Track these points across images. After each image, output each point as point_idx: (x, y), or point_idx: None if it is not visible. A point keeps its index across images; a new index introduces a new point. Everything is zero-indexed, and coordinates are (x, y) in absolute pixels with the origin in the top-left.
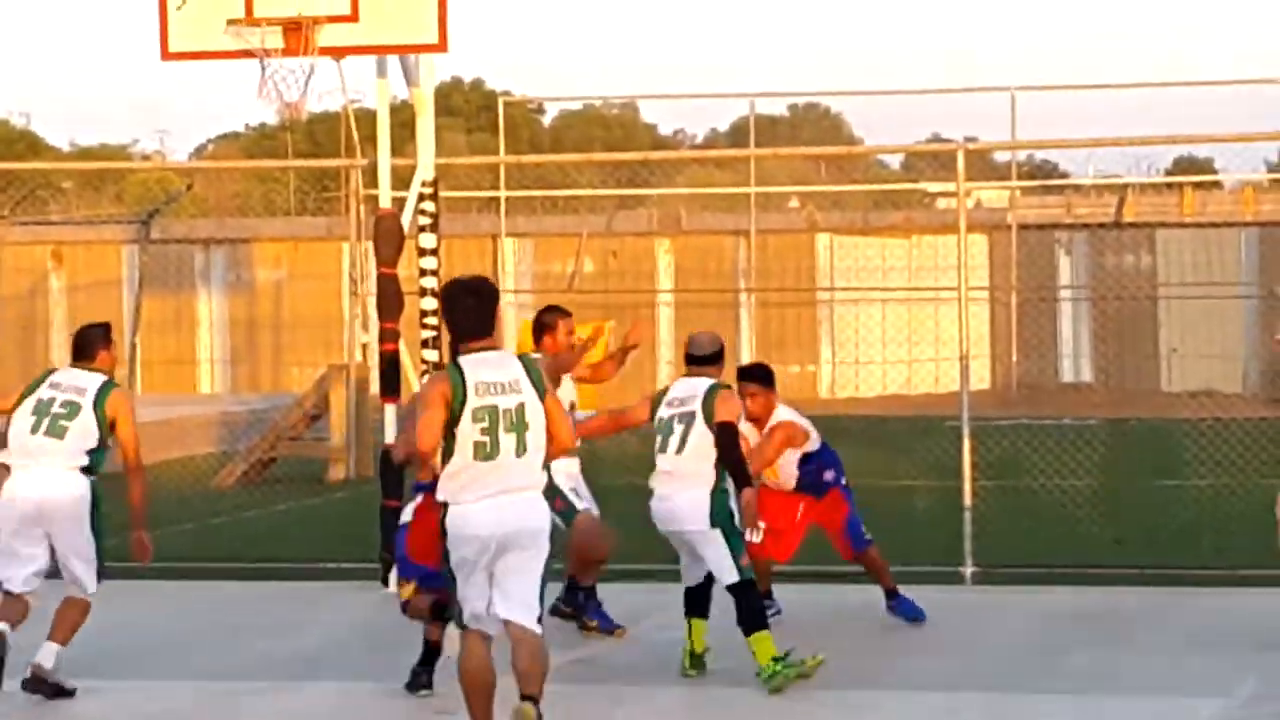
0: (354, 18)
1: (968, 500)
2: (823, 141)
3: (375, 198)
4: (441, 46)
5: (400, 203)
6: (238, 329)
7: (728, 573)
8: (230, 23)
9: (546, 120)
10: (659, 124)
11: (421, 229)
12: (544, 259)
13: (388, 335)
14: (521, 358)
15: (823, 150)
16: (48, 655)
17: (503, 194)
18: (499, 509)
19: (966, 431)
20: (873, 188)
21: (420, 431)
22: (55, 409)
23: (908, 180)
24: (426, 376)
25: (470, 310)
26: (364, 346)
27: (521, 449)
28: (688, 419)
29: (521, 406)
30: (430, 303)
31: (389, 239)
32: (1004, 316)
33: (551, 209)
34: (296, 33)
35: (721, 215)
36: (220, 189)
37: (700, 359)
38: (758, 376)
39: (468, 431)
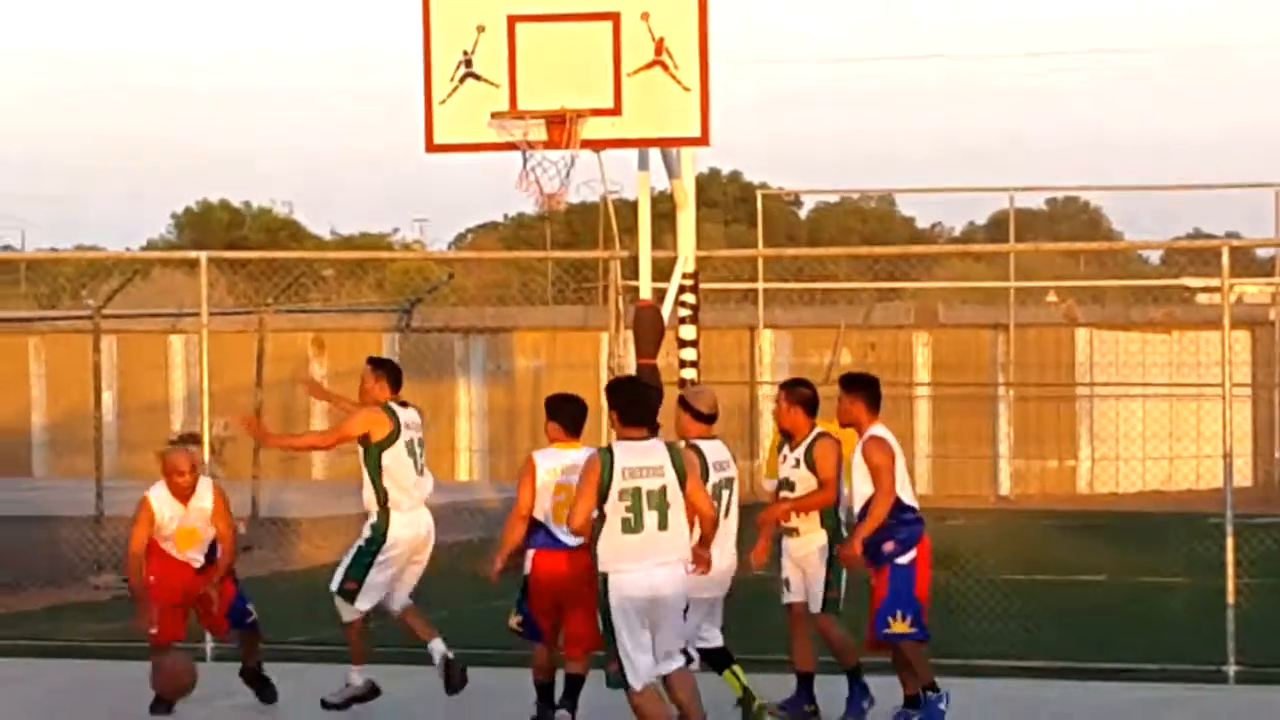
0: (617, 111)
1: (1231, 598)
2: (1081, 236)
3: (634, 288)
4: (704, 140)
5: (660, 294)
6: (496, 417)
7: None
8: (494, 115)
9: (803, 212)
10: (916, 216)
11: (681, 320)
12: (801, 351)
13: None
14: (669, 445)
15: (1084, 246)
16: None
17: (760, 286)
18: (649, 576)
19: (1230, 529)
20: (1133, 283)
21: (573, 513)
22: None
23: (1168, 275)
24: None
25: (635, 403)
26: None
27: (664, 524)
28: (731, 484)
29: (664, 489)
30: None
31: (650, 330)
32: (1266, 413)
33: (809, 301)
34: (560, 125)
35: (979, 308)
36: (479, 278)
37: (713, 418)
38: (864, 384)
39: (615, 508)
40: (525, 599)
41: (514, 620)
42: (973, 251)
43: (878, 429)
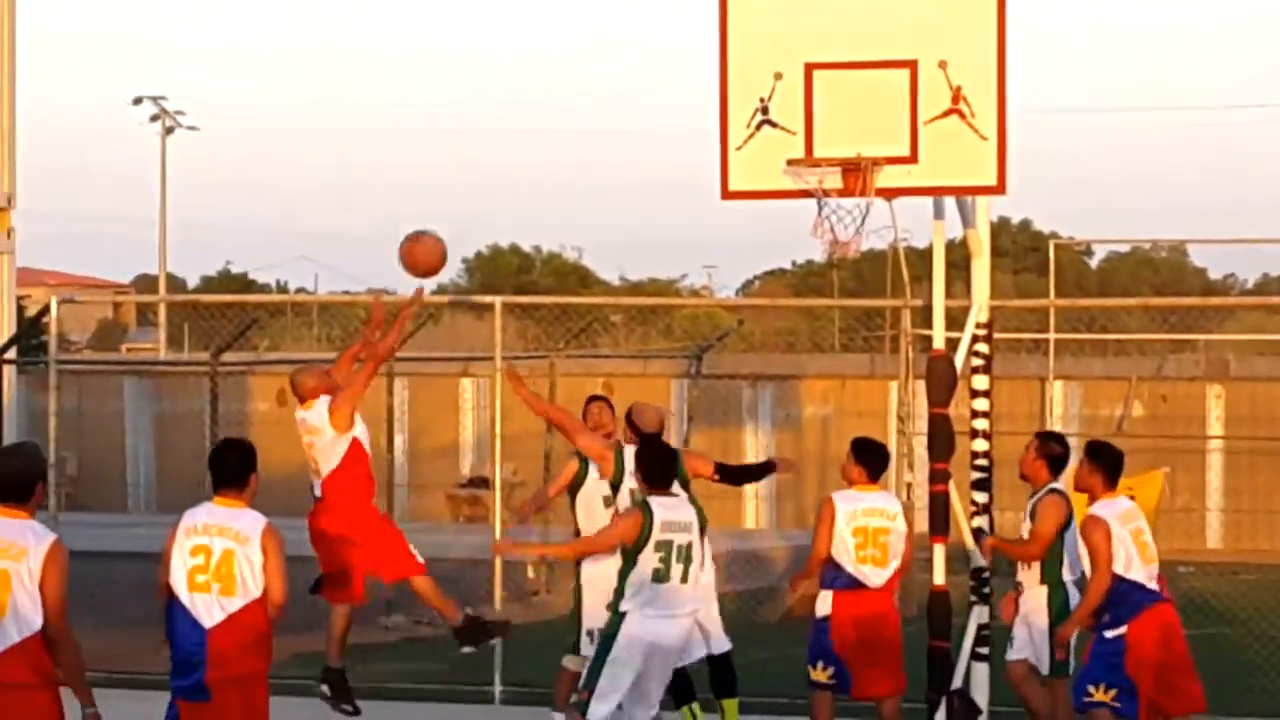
0: (913, 159)
1: None
2: None
3: (925, 337)
4: (1000, 189)
5: (952, 343)
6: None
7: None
8: (790, 163)
9: (1094, 262)
10: (1209, 267)
11: (974, 370)
12: (1092, 402)
13: (938, 475)
14: (692, 500)
15: None
16: None
17: (1052, 336)
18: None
19: None
20: None
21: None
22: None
23: None
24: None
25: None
26: (909, 485)
27: (685, 578)
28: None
29: (690, 544)
30: (982, 444)
31: (943, 380)
32: None
33: (1100, 352)
34: (855, 173)
35: (1273, 361)
36: (766, 325)
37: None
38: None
39: (649, 558)
40: (823, 648)
41: (822, 674)
42: (1269, 304)
43: (1100, 507)
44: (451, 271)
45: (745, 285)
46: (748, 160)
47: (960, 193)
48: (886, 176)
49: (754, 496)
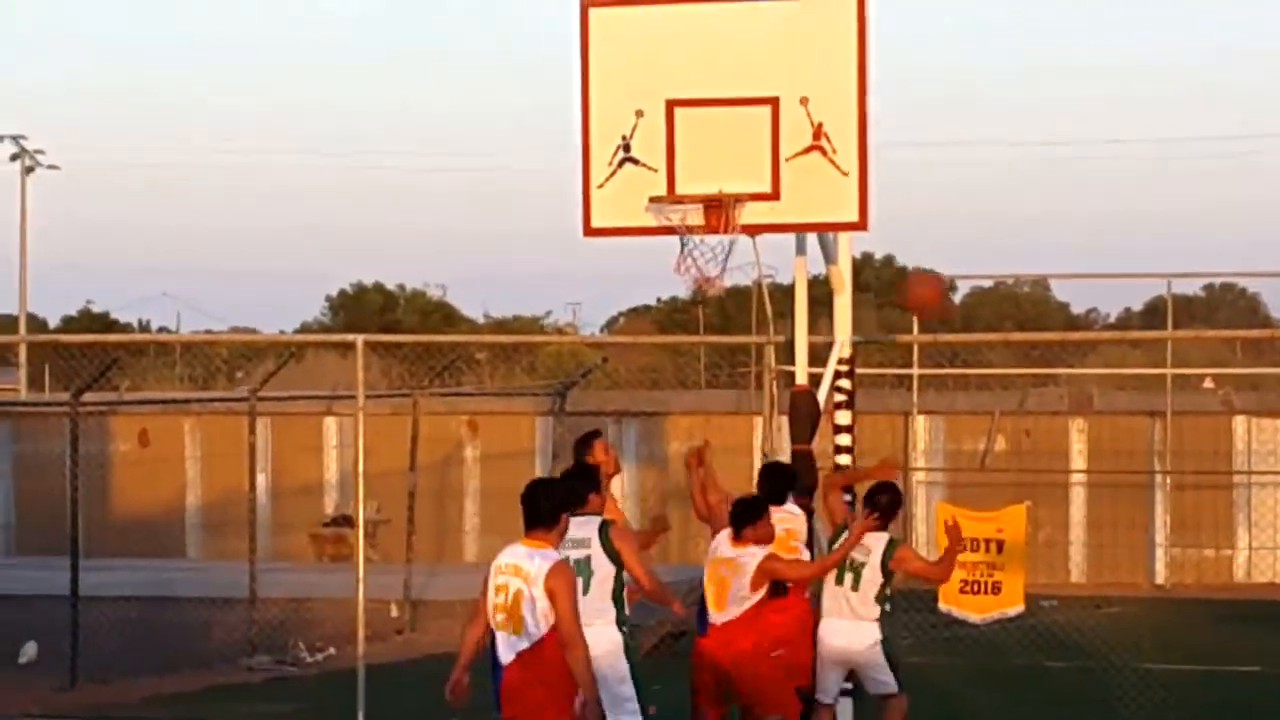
0: (775, 196)
1: None
2: (1239, 323)
3: (789, 373)
4: (862, 225)
5: (815, 379)
6: (648, 502)
7: None
8: (652, 200)
9: (957, 297)
10: (1071, 302)
11: (837, 405)
12: (955, 437)
13: (803, 510)
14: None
15: (1242, 333)
16: None
17: (915, 371)
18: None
19: None
20: None
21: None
22: None
23: None
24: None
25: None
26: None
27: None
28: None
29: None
30: None
31: (805, 416)
32: None
33: (964, 386)
34: (717, 210)
35: (1135, 395)
36: (632, 362)
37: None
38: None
39: None
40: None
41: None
42: (1129, 339)
43: None
44: (315, 310)
45: (610, 322)
46: (610, 197)
47: (822, 229)
48: (749, 213)
49: None
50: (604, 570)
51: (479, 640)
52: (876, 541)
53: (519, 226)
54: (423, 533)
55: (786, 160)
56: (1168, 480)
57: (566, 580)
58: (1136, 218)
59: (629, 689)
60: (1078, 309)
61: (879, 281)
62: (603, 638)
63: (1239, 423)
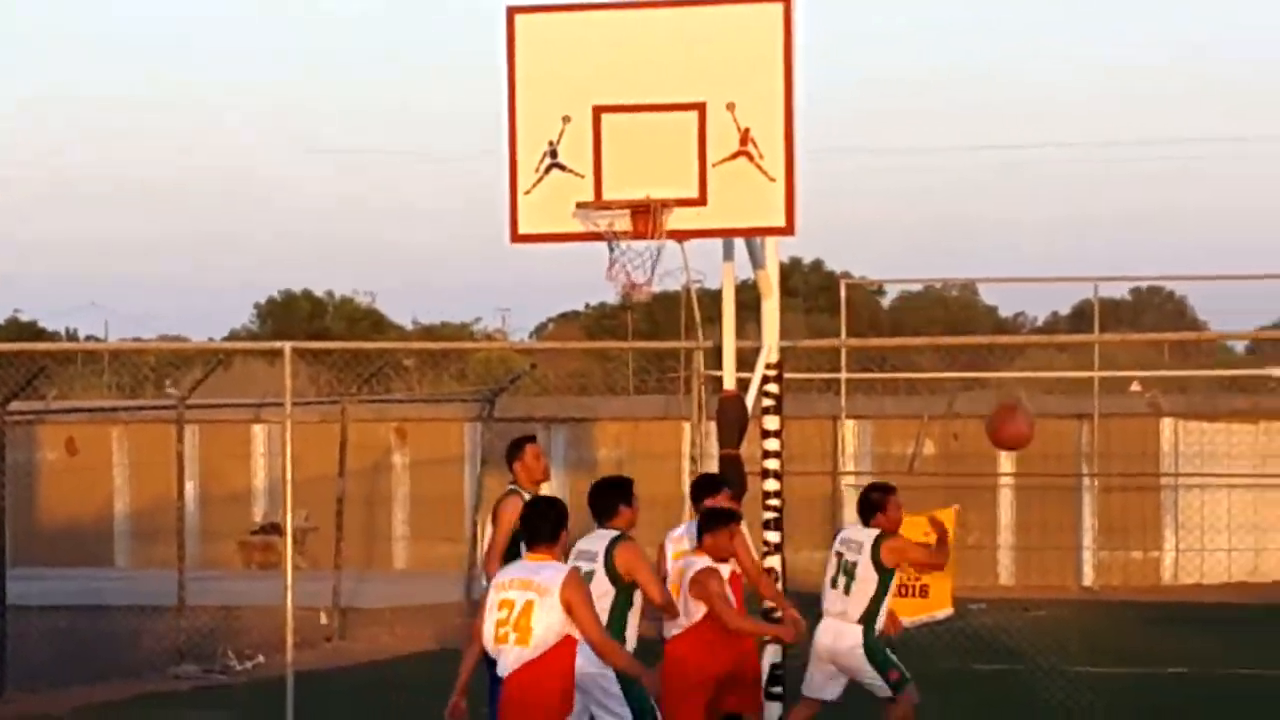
0: (702, 201)
1: None
2: (1166, 325)
3: (717, 378)
4: (789, 230)
5: (743, 384)
6: (578, 508)
7: None
8: (579, 206)
9: (886, 301)
10: (999, 305)
11: (765, 410)
12: (884, 441)
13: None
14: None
15: (1169, 335)
16: None
17: (843, 375)
18: None
19: None
20: (1219, 373)
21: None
22: None
23: (1254, 365)
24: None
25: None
26: None
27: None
28: None
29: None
30: (773, 484)
31: (733, 421)
32: None
33: (892, 391)
34: (645, 216)
35: (1062, 398)
36: (560, 368)
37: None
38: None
39: None
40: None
41: None
42: (1057, 342)
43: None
44: (243, 317)
45: (539, 328)
46: (537, 204)
47: (749, 234)
48: (676, 218)
49: None
50: (602, 588)
51: (475, 663)
52: (865, 537)
53: (448, 233)
54: (351, 540)
55: (713, 166)
56: (1095, 483)
57: (582, 590)
58: (1064, 222)
59: (622, 708)
60: (1006, 313)
61: (808, 286)
62: (591, 655)
63: (1166, 425)
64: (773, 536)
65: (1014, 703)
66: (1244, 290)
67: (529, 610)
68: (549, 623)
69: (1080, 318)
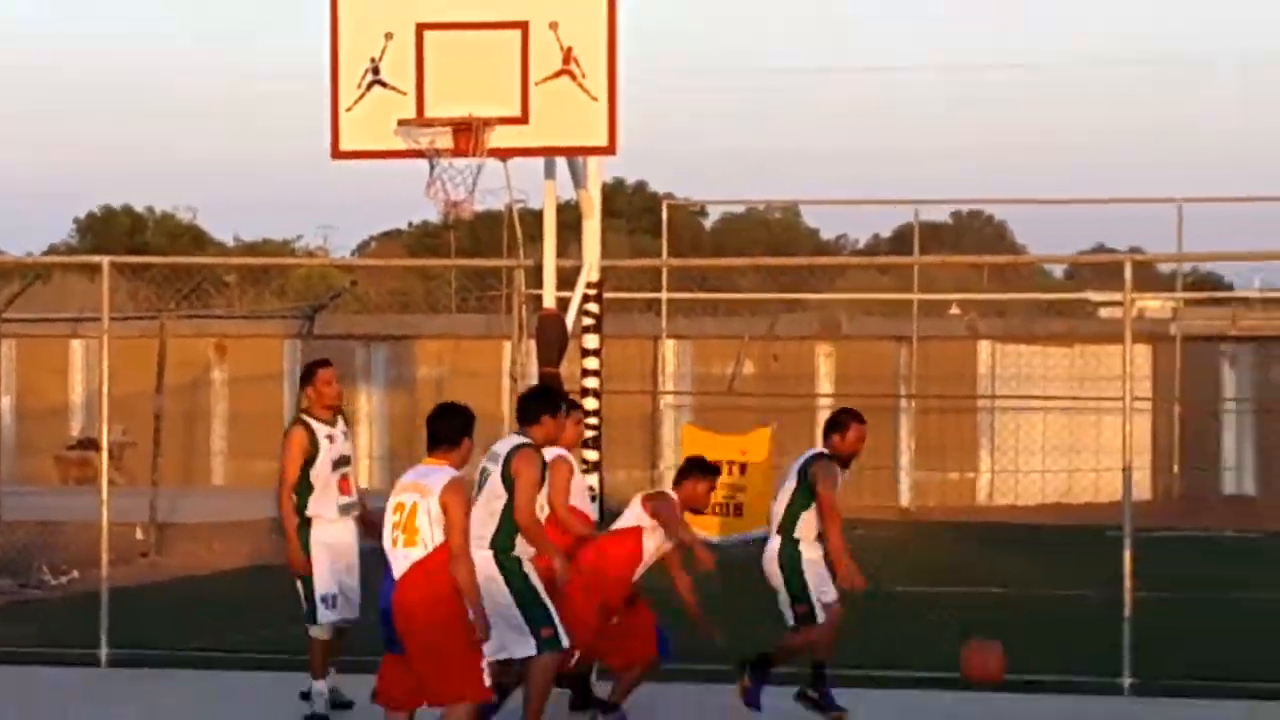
0: (524, 120)
1: (1128, 610)
2: (985, 249)
3: (538, 297)
4: (610, 150)
5: (563, 303)
6: (397, 425)
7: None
8: (401, 123)
9: (708, 223)
10: (821, 228)
11: (585, 329)
12: (704, 361)
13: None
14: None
15: (988, 259)
16: None
17: (664, 296)
18: None
19: (1128, 541)
20: (1036, 296)
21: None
22: None
23: (1072, 289)
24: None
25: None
26: None
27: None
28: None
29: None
30: (592, 403)
31: (552, 339)
32: (1166, 427)
33: (713, 311)
34: (466, 133)
35: (882, 320)
36: (382, 285)
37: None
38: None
39: None
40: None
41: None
42: (877, 264)
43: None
44: (62, 232)
45: (361, 246)
46: (359, 120)
47: (571, 153)
48: (498, 137)
49: (367, 456)
50: (493, 490)
51: None
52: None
53: (271, 148)
54: (169, 456)
55: (536, 84)
56: (913, 404)
57: (458, 496)
58: (886, 146)
59: (513, 611)
60: (827, 235)
61: (631, 208)
62: (476, 559)
63: (984, 348)
64: (591, 455)
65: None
66: (1062, 215)
67: (414, 512)
68: (430, 524)
69: (901, 241)
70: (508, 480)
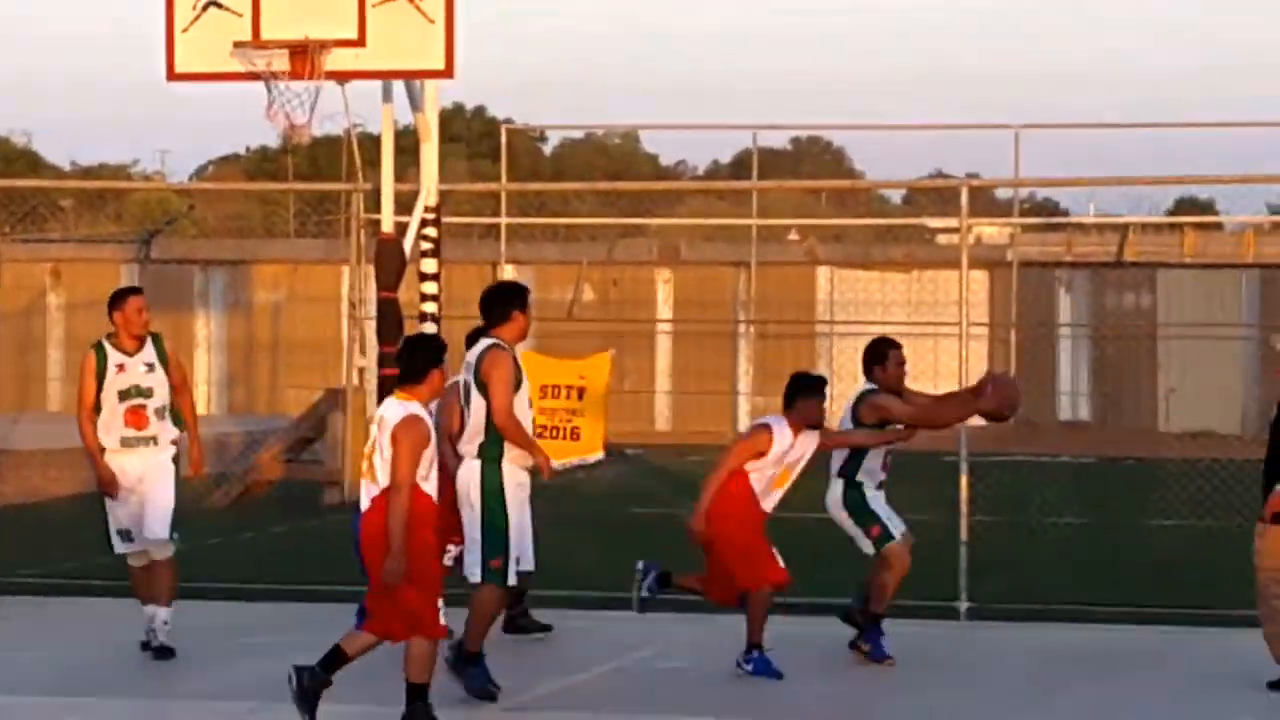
0: (361, 43)
1: (964, 535)
2: (824, 175)
3: (376, 222)
4: (448, 73)
5: (401, 228)
6: (235, 350)
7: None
8: (237, 45)
9: (548, 148)
10: (660, 154)
11: (423, 254)
12: (544, 287)
13: (387, 359)
14: None
15: (825, 184)
16: None
17: (503, 220)
18: None
19: (964, 467)
20: (874, 222)
21: None
22: None
23: (909, 215)
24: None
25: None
26: (361, 370)
27: None
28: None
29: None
30: (430, 327)
31: (390, 263)
32: (1003, 353)
33: (552, 237)
34: (303, 56)
35: (722, 246)
36: (220, 210)
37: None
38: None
39: None
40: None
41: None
42: (715, 189)
43: None
44: None
45: (199, 170)
46: (194, 42)
47: (408, 76)
48: (335, 60)
49: (205, 382)
50: (476, 399)
51: None
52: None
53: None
54: (4, 381)
55: (373, 6)
56: (752, 330)
57: (410, 431)
58: (726, 73)
59: (476, 528)
60: (667, 161)
61: (470, 133)
62: (464, 469)
63: (822, 273)
64: None
65: (668, 544)
66: (901, 141)
67: (374, 447)
68: (385, 462)
69: (740, 167)
70: (481, 385)
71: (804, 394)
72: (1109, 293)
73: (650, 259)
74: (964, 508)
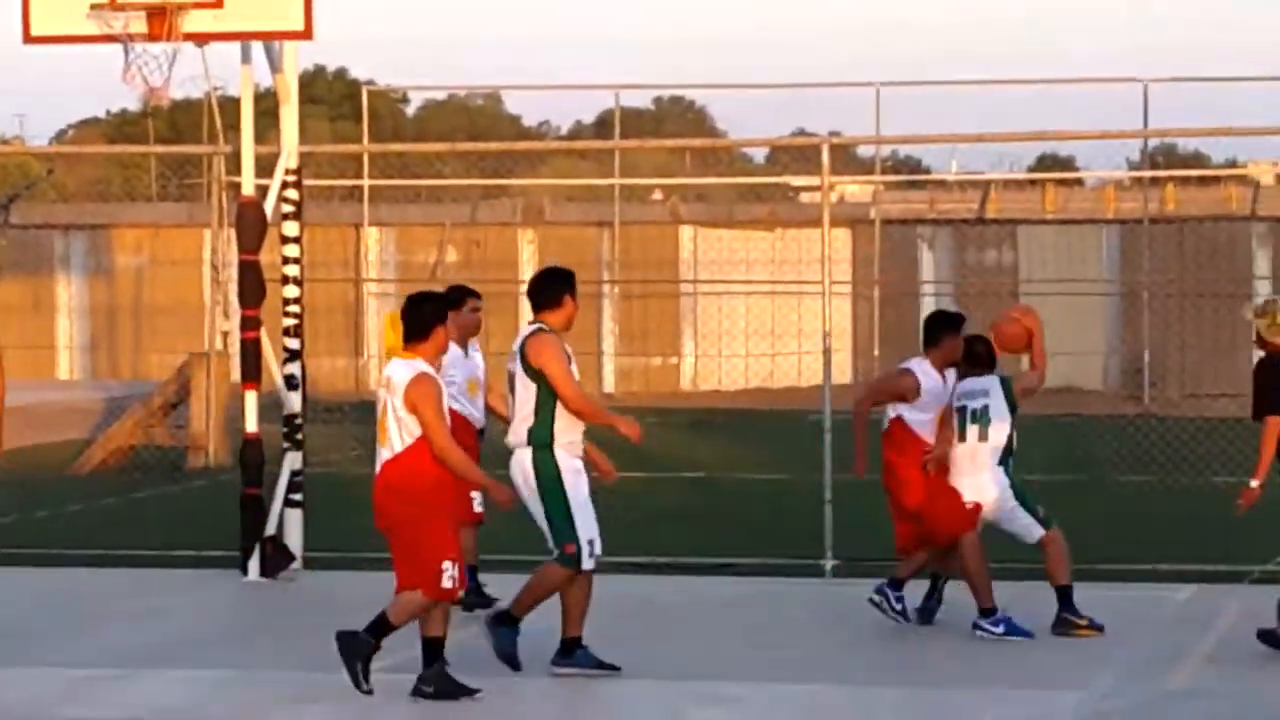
0: (219, 4)
1: (829, 494)
2: (687, 134)
3: (237, 185)
4: (307, 34)
5: (263, 190)
6: (97, 315)
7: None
8: (94, 7)
9: (410, 110)
10: (523, 115)
11: (285, 217)
12: (407, 249)
13: (250, 323)
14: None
15: (688, 142)
16: None
17: (366, 183)
18: None
19: (829, 425)
20: (737, 181)
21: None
22: None
23: (772, 174)
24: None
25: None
26: (224, 334)
27: None
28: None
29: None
30: (292, 290)
31: (252, 226)
32: (866, 311)
33: (415, 199)
34: (161, 18)
35: (585, 206)
36: (80, 174)
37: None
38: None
39: None
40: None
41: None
42: (578, 149)
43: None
44: None
45: (58, 134)
46: (51, 3)
47: (266, 37)
48: (193, 21)
49: (67, 347)
50: (525, 383)
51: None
52: (990, 384)
53: None
54: None
55: None
56: (616, 290)
57: (425, 390)
58: (587, 33)
59: (540, 512)
60: (530, 122)
61: (331, 95)
62: (515, 457)
63: (686, 233)
64: (292, 343)
65: None
66: (763, 100)
67: (385, 410)
68: (399, 425)
69: (603, 127)
70: (531, 373)
71: (949, 332)
72: (971, 249)
73: (513, 220)
74: (828, 466)
